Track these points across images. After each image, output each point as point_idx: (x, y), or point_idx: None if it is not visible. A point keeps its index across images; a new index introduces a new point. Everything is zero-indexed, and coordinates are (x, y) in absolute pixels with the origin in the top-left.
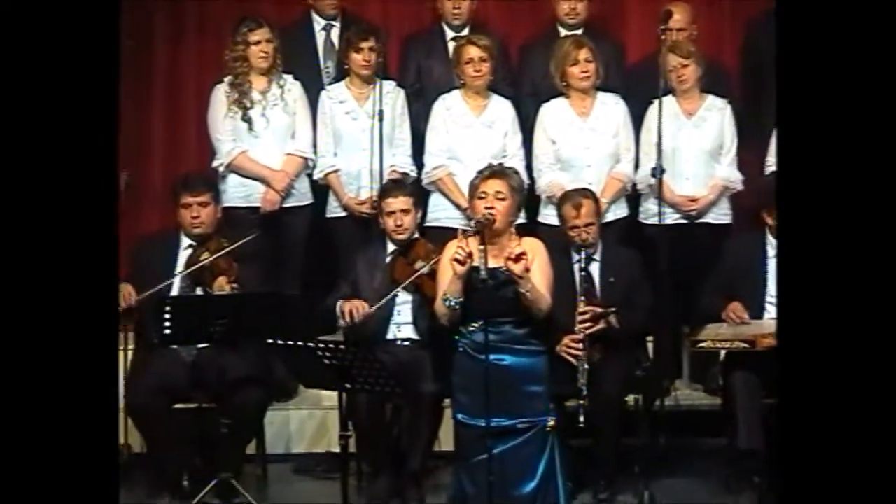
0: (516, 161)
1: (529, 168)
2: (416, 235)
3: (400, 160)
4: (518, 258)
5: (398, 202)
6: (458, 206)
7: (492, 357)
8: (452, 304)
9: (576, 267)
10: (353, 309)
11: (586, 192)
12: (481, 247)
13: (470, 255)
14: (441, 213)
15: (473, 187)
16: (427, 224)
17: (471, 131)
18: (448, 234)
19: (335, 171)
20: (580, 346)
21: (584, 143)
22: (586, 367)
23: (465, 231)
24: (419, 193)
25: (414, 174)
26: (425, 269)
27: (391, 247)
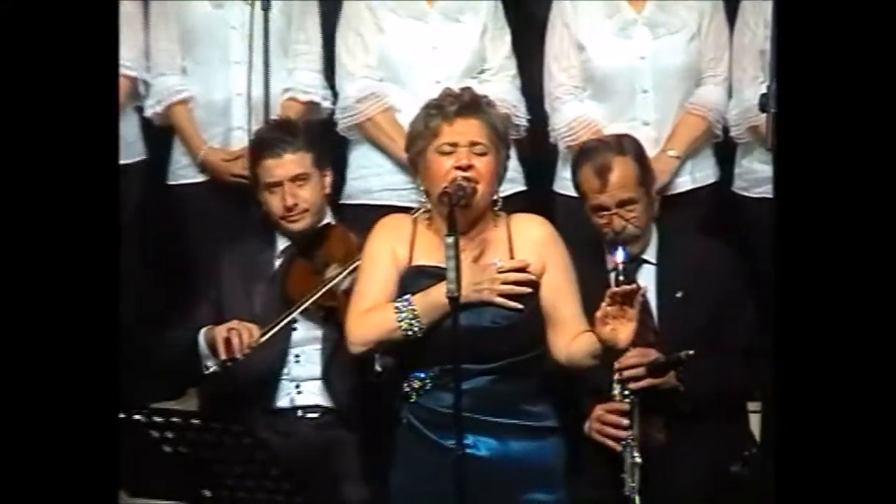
0: (502, 82)
1: (532, 94)
2: (329, 220)
3: (303, 79)
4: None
5: (285, 164)
6: (404, 168)
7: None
8: (415, 328)
9: (611, 279)
10: (237, 334)
11: (620, 144)
12: (449, 238)
13: (410, 248)
14: (373, 180)
15: (430, 134)
16: (347, 201)
17: (421, 30)
18: (387, 213)
19: (184, 102)
20: (624, 420)
21: (638, 49)
22: (637, 458)
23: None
24: (326, 145)
25: (329, 105)
26: (343, 279)
27: (284, 241)
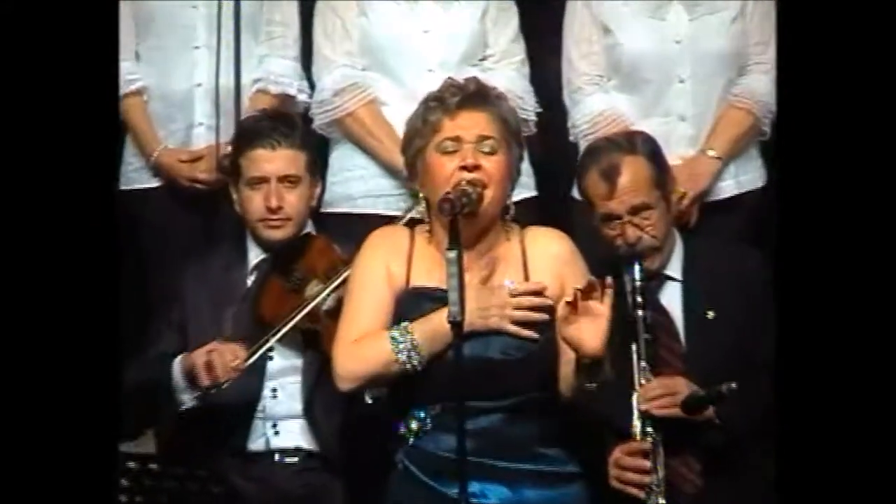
0: (507, 70)
1: (548, 85)
2: (310, 230)
3: (275, 68)
4: (538, 310)
5: (277, 159)
6: (391, 171)
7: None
8: (414, 360)
9: (629, 301)
10: (219, 356)
11: (630, 142)
12: (450, 253)
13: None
14: (356, 184)
15: (429, 130)
16: (326, 209)
17: (410, 11)
18: (373, 226)
19: (137, 93)
20: (646, 462)
21: (673, 31)
22: None
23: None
24: (316, 145)
25: (305, 99)
26: (325, 297)
27: (257, 253)
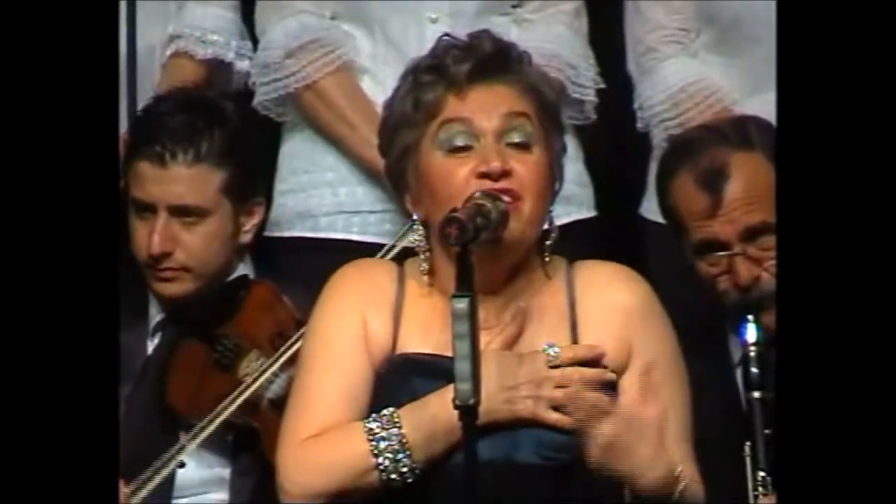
0: (553, 23)
1: (604, 48)
2: (244, 273)
3: (202, 20)
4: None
5: (167, 179)
6: (372, 173)
7: None
8: (404, 469)
9: (737, 376)
10: None
11: (743, 131)
12: (459, 302)
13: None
14: (318, 196)
15: (423, 116)
16: (272, 233)
17: None
18: (344, 259)
19: None
20: None
21: None
22: None
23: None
24: (259, 151)
25: (248, 68)
26: (269, 377)
27: (159, 308)
